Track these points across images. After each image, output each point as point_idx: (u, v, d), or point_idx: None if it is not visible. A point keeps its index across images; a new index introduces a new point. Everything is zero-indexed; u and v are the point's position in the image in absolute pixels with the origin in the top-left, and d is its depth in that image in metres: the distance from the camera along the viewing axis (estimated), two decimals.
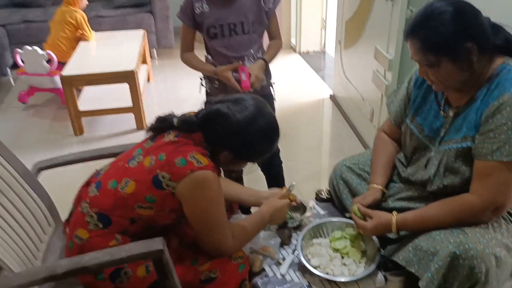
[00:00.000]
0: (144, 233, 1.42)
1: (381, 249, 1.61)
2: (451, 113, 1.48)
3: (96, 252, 1.26)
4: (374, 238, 1.61)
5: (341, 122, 3.58)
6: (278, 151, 2.22)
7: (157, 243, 1.28)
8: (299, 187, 2.65)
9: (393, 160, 1.74)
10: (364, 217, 1.56)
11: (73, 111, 3.32)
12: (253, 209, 1.94)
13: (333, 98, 3.89)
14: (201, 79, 2.15)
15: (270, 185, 2.34)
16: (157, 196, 1.33)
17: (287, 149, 3.18)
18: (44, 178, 1.71)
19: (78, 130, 3.41)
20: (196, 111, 1.42)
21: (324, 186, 1.98)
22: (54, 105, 3.92)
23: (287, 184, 2.29)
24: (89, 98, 3.60)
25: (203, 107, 1.40)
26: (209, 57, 2.07)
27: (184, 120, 1.37)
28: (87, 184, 1.47)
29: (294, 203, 1.68)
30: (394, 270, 1.54)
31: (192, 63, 2.08)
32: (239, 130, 1.34)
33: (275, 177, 2.29)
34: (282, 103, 3.85)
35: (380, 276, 1.54)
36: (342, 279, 1.49)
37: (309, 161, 3.07)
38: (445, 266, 1.32)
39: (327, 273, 1.52)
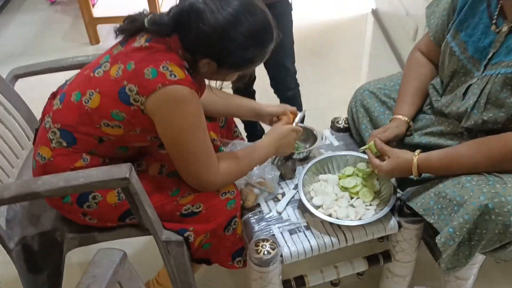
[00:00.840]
0: (119, 154, 1.23)
1: (399, 191, 1.36)
2: (505, 28, 1.14)
3: (51, 176, 1.08)
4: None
5: (381, 41, 3.17)
6: (293, 71, 1.92)
7: (122, 171, 1.08)
8: (322, 114, 2.38)
9: (426, 86, 1.43)
10: (381, 155, 1.29)
11: (87, 18, 3.09)
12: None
13: (375, 13, 3.45)
14: None
15: None
16: (124, 113, 1.11)
17: (315, 70, 2.86)
18: (25, 89, 1.53)
19: (94, 39, 3.19)
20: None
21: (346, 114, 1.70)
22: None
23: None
24: (105, 4, 3.33)
25: (177, 2, 1.11)
26: None
27: (155, 20, 1.10)
28: (54, 95, 1.27)
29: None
30: (410, 217, 1.30)
31: None
32: (219, 31, 1.06)
33: (289, 102, 2.01)
34: (316, 18, 3.46)
35: (393, 221, 1.31)
36: (346, 223, 1.27)
37: (338, 85, 2.75)
38: (472, 220, 1.07)
39: (330, 215, 1.30)
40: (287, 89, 1.93)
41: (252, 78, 2.04)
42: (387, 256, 1.43)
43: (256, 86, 2.03)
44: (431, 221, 1.19)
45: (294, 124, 1.42)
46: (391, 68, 2.82)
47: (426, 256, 1.43)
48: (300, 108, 2.03)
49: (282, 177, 1.48)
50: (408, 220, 1.30)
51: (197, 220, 1.25)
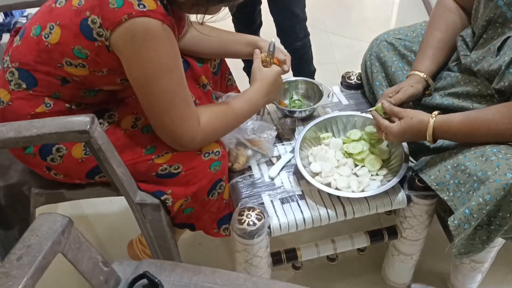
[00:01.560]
0: (88, 99, 1.07)
1: (411, 160, 1.18)
2: None
3: (1, 124, 0.93)
4: (404, 144, 1.16)
5: None
6: (302, 18, 1.70)
7: (81, 122, 0.92)
8: (336, 69, 2.17)
9: (454, 38, 1.21)
10: (390, 116, 1.10)
11: None
12: None
13: None
14: None
15: (293, 66, 1.87)
16: (88, 50, 0.95)
17: (335, 20, 2.62)
18: None
19: None
20: None
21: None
22: None
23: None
24: None
25: None
26: None
27: None
28: (16, 32, 1.10)
29: (285, 68, 1.25)
30: (422, 191, 1.12)
31: None
32: None
33: (297, 54, 1.80)
34: None
35: (401, 195, 1.13)
36: (346, 194, 1.10)
37: (360, 37, 2.51)
38: (494, 202, 0.88)
39: (328, 184, 1.13)
40: (295, 38, 1.72)
41: (258, 24, 1.83)
42: (393, 232, 1.26)
43: (261, 34, 1.82)
44: (445, 198, 1.01)
45: (271, 60, 1.22)
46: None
47: (437, 230, 1.26)
48: (309, 62, 1.83)
49: (279, 138, 1.30)
50: (419, 194, 1.12)
51: (176, 182, 1.10)
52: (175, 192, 1.11)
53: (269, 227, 1.09)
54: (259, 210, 1.08)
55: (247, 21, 1.80)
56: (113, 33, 0.90)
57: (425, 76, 1.18)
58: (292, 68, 1.88)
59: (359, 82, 1.45)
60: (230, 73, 1.48)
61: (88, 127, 0.91)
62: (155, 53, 0.92)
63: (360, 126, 1.25)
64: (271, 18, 1.72)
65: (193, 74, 1.30)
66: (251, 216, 1.07)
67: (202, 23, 1.06)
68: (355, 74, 1.47)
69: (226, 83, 1.47)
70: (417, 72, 1.18)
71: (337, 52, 2.38)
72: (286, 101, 1.41)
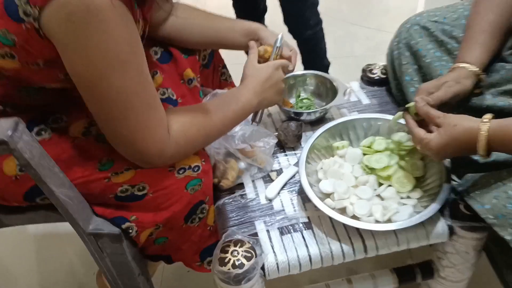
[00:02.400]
0: (27, 100, 0.82)
1: (453, 179, 0.89)
2: None
3: None
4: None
5: None
6: (313, 2, 1.42)
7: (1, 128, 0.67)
8: (356, 64, 1.89)
9: (508, 20, 0.92)
10: (423, 121, 0.82)
11: None
12: None
13: None
14: None
15: (304, 59, 1.61)
16: (14, 35, 0.69)
17: (356, 8, 2.33)
18: None
19: None
20: None
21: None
22: None
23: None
24: None
25: None
26: None
27: None
28: None
29: (290, 66, 0.98)
30: (469, 221, 0.84)
31: None
32: None
33: (308, 45, 1.53)
34: None
35: (441, 225, 0.85)
36: (367, 226, 0.82)
37: (383, 28, 2.22)
38: None
39: (343, 210, 0.85)
40: (304, 26, 1.45)
41: (261, 10, 1.56)
42: (428, 270, 0.98)
43: (266, 22, 1.55)
44: (507, 238, 0.73)
45: (273, 57, 0.95)
46: None
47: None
48: (322, 56, 1.55)
49: (282, 146, 1.03)
50: (466, 225, 0.84)
51: (142, 206, 0.84)
52: (141, 219, 0.85)
53: (262, 268, 0.82)
54: (250, 245, 0.81)
55: (248, 6, 1.53)
56: (43, 11, 0.64)
57: (475, 69, 0.89)
58: (302, 62, 1.63)
59: (384, 76, 1.17)
60: (224, 66, 1.21)
61: (7, 135, 0.66)
62: (102, 39, 0.66)
63: (386, 132, 0.97)
64: (277, 3, 1.45)
65: (177, 67, 1.04)
66: (238, 253, 0.79)
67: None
68: (379, 67, 1.19)
69: (219, 78, 1.21)
70: (464, 64, 0.89)
71: (356, 45, 2.11)
72: (292, 100, 1.14)
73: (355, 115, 1.00)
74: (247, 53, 0.99)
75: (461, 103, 0.93)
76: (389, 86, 1.15)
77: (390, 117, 0.97)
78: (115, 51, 0.68)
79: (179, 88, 1.02)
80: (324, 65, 1.64)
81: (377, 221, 0.84)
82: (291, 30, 1.49)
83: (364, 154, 0.95)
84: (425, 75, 1.02)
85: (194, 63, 1.07)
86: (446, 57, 1.01)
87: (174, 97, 1.00)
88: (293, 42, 1.50)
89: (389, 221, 0.84)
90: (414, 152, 0.92)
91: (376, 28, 2.21)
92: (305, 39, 1.48)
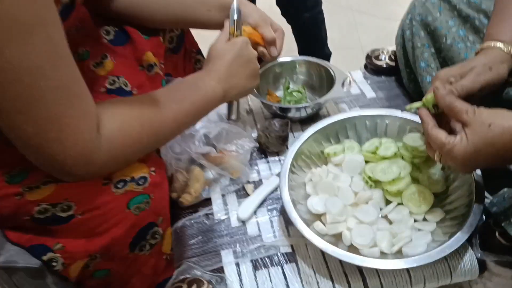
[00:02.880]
0: None
1: (486, 196, 0.67)
2: None
3: None
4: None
5: None
6: None
7: None
8: (362, 54, 1.68)
9: None
10: (443, 118, 0.61)
11: None
12: None
13: None
14: None
15: (300, 48, 1.40)
16: None
17: None
18: None
19: None
20: None
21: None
22: None
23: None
24: None
25: None
26: None
27: None
28: None
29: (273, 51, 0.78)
30: (508, 254, 0.62)
31: None
32: None
33: (305, 32, 1.33)
34: None
35: (469, 258, 0.63)
36: (369, 263, 0.60)
37: (393, 16, 1.99)
38: None
39: (337, 237, 0.63)
40: (301, 7, 1.23)
41: None
42: None
43: (258, 4, 1.34)
44: None
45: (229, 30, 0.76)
46: None
47: None
48: (321, 43, 1.34)
49: (263, 151, 0.82)
50: (503, 260, 0.62)
51: (69, 231, 0.63)
52: (69, 248, 0.64)
53: None
54: (209, 286, 0.60)
55: None
56: None
57: (510, 49, 0.67)
58: (298, 51, 1.42)
59: (393, 64, 0.95)
60: (199, 52, 1.00)
61: None
62: None
63: (396, 134, 0.75)
64: None
65: (135, 49, 0.83)
66: None
67: None
68: (387, 53, 0.97)
69: (193, 65, 1.00)
70: (498, 44, 0.67)
71: (364, 35, 1.90)
72: (279, 93, 0.92)
73: (356, 111, 0.78)
74: None
75: (492, 96, 0.70)
76: (399, 75, 0.93)
77: (400, 114, 0.75)
78: (11, 12, 0.47)
79: (135, 76, 0.81)
80: (324, 55, 1.43)
81: (382, 253, 0.62)
82: (285, 13, 1.28)
83: (367, 162, 0.73)
84: (445, 60, 0.81)
85: (156, 45, 0.87)
86: (473, 37, 0.79)
87: (128, 88, 0.79)
88: (287, 28, 1.29)
89: (399, 253, 0.62)
90: (433, 160, 0.70)
91: (386, 16, 1.99)
92: (302, 23, 1.27)
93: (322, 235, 0.63)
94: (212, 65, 0.70)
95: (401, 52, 0.90)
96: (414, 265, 0.58)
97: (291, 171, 0.70)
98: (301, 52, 1.41)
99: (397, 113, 0.75)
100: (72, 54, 0.70)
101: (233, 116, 0.78)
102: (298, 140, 0.74)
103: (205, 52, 1.00)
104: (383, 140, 0.74)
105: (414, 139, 0.71)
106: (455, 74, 0.66)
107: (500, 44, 0.68)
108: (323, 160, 0.76)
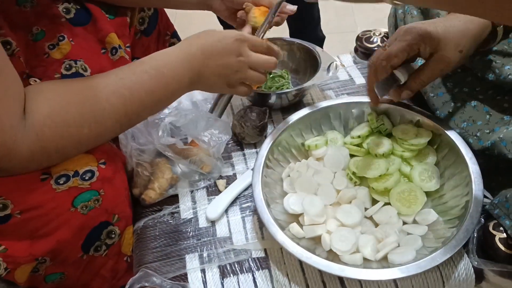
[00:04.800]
0: None
1: (486, 196, 0.60)
2: None
3: None
4: (473, 163, 0.58)
5: None
6: None
7: None
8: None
9: None
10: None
11: None
12: None
13: None
14: None
15: (292, 30, 1.32)
16: None
17: None
18: None
19: None
20: None
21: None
22: None
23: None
24: None
25: None
26: None
27: None
28: None
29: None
30: (509, 263, 0.54)
31: None
32: None
33: (296, 12, 1.23)
34: None
35: (465, 265, 0.56)
36: (350, 274, 0.52)
37: None
38: None
39: (317, 243, 0.56)
40: None
41: None
42: None
43: None
44: None
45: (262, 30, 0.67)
46: None
47: None
48: (314, 24, 1.26)
49: (238, 142, 0.74)
50: (502, 270, 0.54)
51: (10, 231, 0.55)
52: (12, 251, 0.56)
53: None
54: None
55: None
56: None
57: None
58: (290, 35, 1.33)
59: (385, 44, 0.86)
60: (174, 34, 0.92)
61: None
62: None
63: (389, 123, 0.67)
64: None
65: (97, 30, 0.75)
66: None
67: None
68: (379, 34, 0.89)
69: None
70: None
71: (359, 17, 1.81)
72: None
73: (341, 99, 0.70)
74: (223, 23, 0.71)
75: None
76: None
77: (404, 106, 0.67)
78: None
79: (96, 60, 0.73)
80: (317, 39, 1.34)
81: (366, 260, 0.55)
82: None
83: (352, 156, 0.65)
84: None
85: (122, 26, 0.78)
86: None
87: (88, 73, 0.70)
88: None
89: (384, 260, 0.54)
90: (425, 154, 0.62)
91: None
92: (293, 3, 1.17)
93: (298, 239, 0.56)
94: (185, 43, 0.61)
95: (393, 32, 0.81)
96: (401, 275, 0.51)
97: (266, 166, 0.62)
98: (292, 35, 1.33)
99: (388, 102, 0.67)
100: (25, 34, 0.61)
101: (217, 113, 0.70)
102: (275, 131, 0.66)
103: (181, 35, 0.92)
104: (369, 130, 0.66)
105: (404, 131, 0.63)
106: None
107: None
108: (303, 153, 0.68)
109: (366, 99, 0.68)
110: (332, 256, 0.55)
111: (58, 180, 0.54)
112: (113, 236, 0.61)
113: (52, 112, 0.51)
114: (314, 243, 0.57)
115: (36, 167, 0.53)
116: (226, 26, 1.33)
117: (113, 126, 0.57)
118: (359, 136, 0.66)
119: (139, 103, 0.57)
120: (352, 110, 0.69)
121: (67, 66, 0.68)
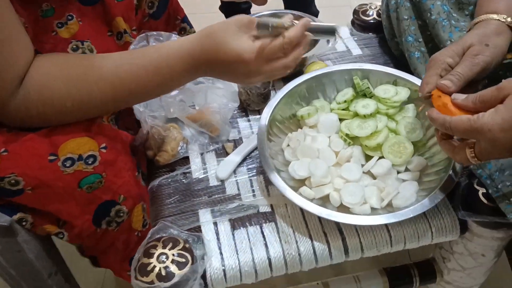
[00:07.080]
0: None
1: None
2: None
3: None
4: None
5: None
6: None
7: None
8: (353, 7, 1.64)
9: None
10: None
11: None
12: None
13: None
14: None
15: (286, 6, 1.36)
16: None
17: None
18: None
19: None
20: None
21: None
22: None
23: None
24: None
25: None
26: None
27: None
28: None
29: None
30: (491, 215, 0.61)
31: None
32: None
33: None
34: None
35: (450, 218, 0.62)
36: (349, 219, 0.59)
37: None
38: None
39: (326, 198, 0.62)
40: None
41: None
42: (429, 271, 0.76)
43: None
44: None
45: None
46: None
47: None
48: (310, 1, 1.30)
49: (244, 108, 0.79)
50: (484, 220, 0.61)
51: (26, 201, 0.60)
52: (35, 218, 0.62)
53: (204, 276, 0.59)
54: (186, 246, 0.58)
55: None
56: None
57: (510, 19, 0.63)
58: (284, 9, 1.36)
59: (378, 19, 0.91)
60: (184, 19, 0.92)
61: None
62: None
63: (383, 89, 0.72)
64: None
65: (105, 13, 0.75)
66: (167, 258, 0.57)
67: None
68: (375, 8, 0.93)
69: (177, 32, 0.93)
70: (490, 16, 0.63)
71: None
72: None
73: (338, 66, 0.75)
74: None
75: (492, 76, 0.65)
76: (383, 32, 0.89)
77: (383, 68, 0.72)
78: None
79: (103, 42, 0.73)
80: (311, 13, 1.37)
81: (373, 209, 0.61)
82: None
83: (341, 120, 0.71)
84: (431, 36, 0.76)
85: (128, 9, 0.78)
86: (456, 14, 0.74)
87: (94, 54, 0.73)
88: None
89: (389, 206, 0.61)
90: (407, 109, 0.69)
91: None
92: None
93: (310, 200, 0.61)
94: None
95: (387, 22, 0.85)
96: (393, 220, 0.57)
97: (270, 131, 0.68)
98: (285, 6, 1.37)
99: (380, 67, 0.73)
100: (35, 9, 0.64)
101: None
102: (276, 97, 0.71)
103: (192, 20, 0.93)
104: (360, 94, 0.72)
105: (385, 91, 0.69)
106: (451, 55, 0.60)
107: (493, 15, 0.64)
108: (296, 123, 0.73)
109: (358, 66, 0.74)
110: (342, 210, 0.61)
111: (65, 163, 0.58)
112: (121, 214, 0.65)
113: (41, 79, 0.56)
114: (323, 203, 0.62)
115: (20, 123, 0.58)
116: (228, 14, 1.34)
117: (98, 108, 0.60)
118: (345, 101, 0.72)
119: (128, 93, 0.60)
120: (345, 78, 0.74)
121: (74, 46, 0.70)
